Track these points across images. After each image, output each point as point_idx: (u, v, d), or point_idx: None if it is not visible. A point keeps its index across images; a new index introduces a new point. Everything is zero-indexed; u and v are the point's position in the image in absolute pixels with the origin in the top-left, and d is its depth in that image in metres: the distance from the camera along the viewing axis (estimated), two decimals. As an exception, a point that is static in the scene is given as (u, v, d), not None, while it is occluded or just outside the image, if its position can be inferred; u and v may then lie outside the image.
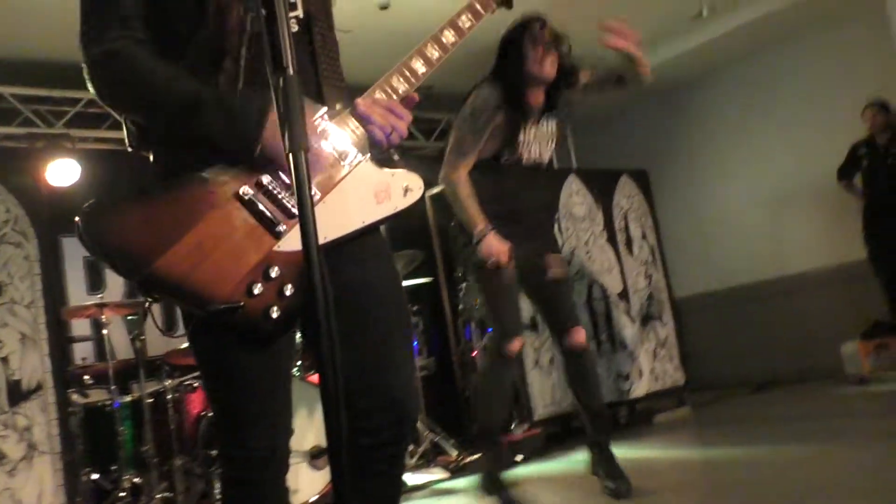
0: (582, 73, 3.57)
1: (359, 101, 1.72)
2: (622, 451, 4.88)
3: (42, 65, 5.50)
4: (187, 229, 1.56)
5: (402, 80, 1.78)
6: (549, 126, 3.59)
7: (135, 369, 4.57)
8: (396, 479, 1.78)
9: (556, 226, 5.99)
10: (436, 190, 6.23)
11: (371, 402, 1.67)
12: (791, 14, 6.66)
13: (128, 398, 4.82)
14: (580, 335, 3.55)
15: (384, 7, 5.53)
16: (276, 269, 1.59)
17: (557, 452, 5.27)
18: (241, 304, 1.56)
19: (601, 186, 6.42)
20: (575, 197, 6.20)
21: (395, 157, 1.83)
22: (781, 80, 7.38)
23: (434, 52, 1.85)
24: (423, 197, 1.78)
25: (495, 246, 3.35)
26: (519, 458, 5.14)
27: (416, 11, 5.43)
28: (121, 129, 5.76)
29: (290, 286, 1.59)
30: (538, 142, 3.55)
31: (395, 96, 1.77)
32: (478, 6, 1.96)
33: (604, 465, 3.59)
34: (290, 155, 1.22)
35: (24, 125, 5.38)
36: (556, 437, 5.76)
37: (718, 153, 7.88)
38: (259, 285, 1.57)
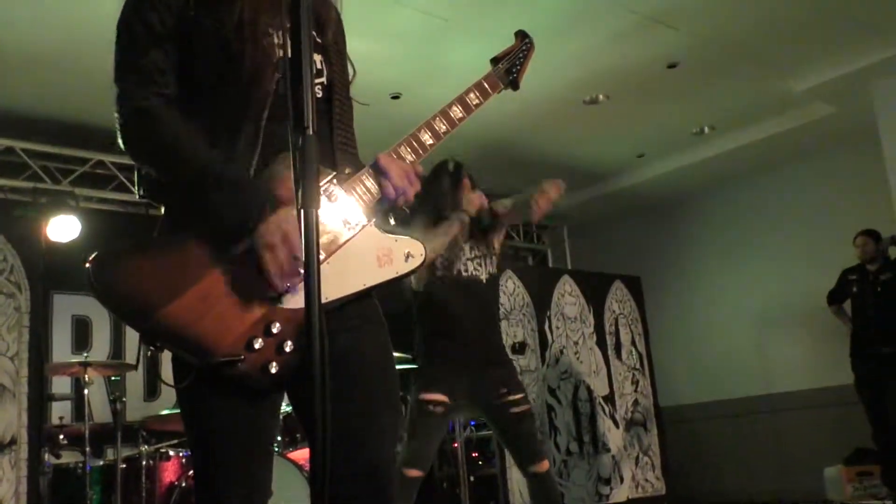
0: (496, 204, 3.81)
1: (380, 155, 1.77)
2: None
3: (54, 122, 5.61)
4: (193, 282, 1.58)
5: (409, 150, 1.83)
6: (480, 244, 3.77)
7: (111, 433, 4.49)
8: None
9: (546, 324, 6.02)
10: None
11: (350, 469, 1.64)
12: (788, 139, 6.87)
13: (101, 462, 4.72)
14: (545, 466, 3.69)
15: (395, 97, 5.69)
16: (277, 325, 1.61)
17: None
18: (242, 357, 1.57)
19: (594, 289, 6.48)
20: (568, 297, 6.25)
21: (392, 222, 1.87)
22: (775, 202, 7.55)
23: (442, 126, 1.91)
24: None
25: (476, 197, 3.66)
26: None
27: (425, 102, 5.58)
28: (125, 191, 5.84)
29: (289, 343, 1.61)
30: (471, 260, 3.74)
31: (421, 153, 1.83)
32: (486, 85, 2.03)
33: None
34: (301, 212, 1.26)
35: (31, 179, 5.45)
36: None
37: (709, 268, 7.99)
38: (260, 340, 1.59)
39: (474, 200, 3.70)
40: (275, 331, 1.60)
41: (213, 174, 1.59)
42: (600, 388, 6.22)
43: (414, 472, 3.51)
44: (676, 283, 8.11)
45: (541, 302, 6.04)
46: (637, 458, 6.29)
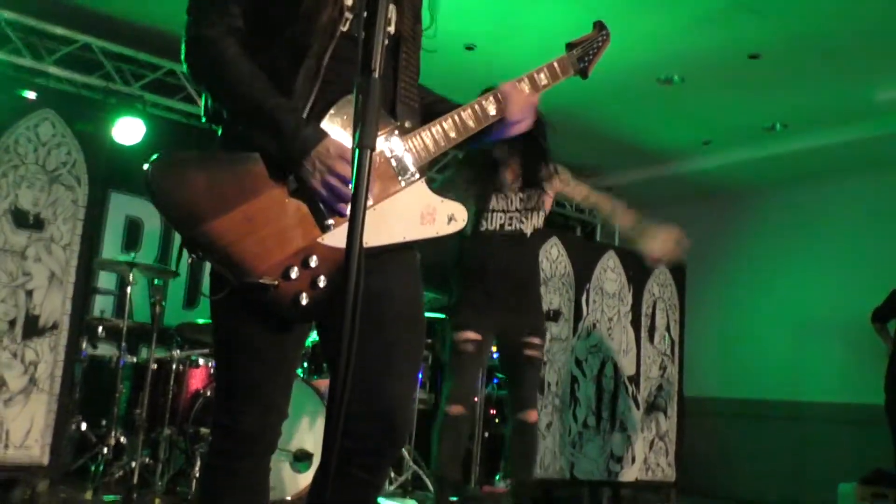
0: (562, 178, 3.92)
1: (505, 84, 1.87)
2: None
3: (132, 26, 5.71)
4: (243, 201, 1.63)
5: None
6: (527, 199, 3.86)
7: (147, 333, 4.65)
8: (373, 489, 1.80)
9: (584, 296, 6.02)
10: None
11: (364, 408, 1.69)
12: (860, 148, 6.69)
13: (134, 359, 4.90)
14: (534, 416, 3.94)
15: (470, 48, 5.66)
16: (315, 259, 1.65)
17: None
18: (276, 283, 1.62)
19: (637, 269, 6.44)
20: (610, 273, 6.23)
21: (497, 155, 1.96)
22: (833, 210, 7.39)
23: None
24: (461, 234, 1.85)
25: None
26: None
27: (498, 56, 5.56)
28: (192, 103, 5.94)
29: (323, 278, 1.65)
30: (516, 213, 3.85)
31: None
32: (557, 68, 2.03)
33: None
34: (357, 151, 1.29)
35: (104, 79, 5.55)
36: (536, 500, 5.72)
37: (757, 266, 7.87)
38: (296, 270, 1.64)
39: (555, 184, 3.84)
40: (312, 264, 1.65)
41: (266, 115, 1.63)
42: (627, 368, 6.22)
43: (456, 409, 3.73)
44: (722, 276, 8.02)
45: (582, 273, 6.03)
46: (652, 441, 6.31)
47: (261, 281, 1.61)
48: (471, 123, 1.85)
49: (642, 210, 8.05)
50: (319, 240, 1.67)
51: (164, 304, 4.64)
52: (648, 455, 6.25)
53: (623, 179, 8.28)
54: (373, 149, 1.29)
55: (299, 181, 1.64)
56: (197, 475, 4.14)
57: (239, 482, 1.73)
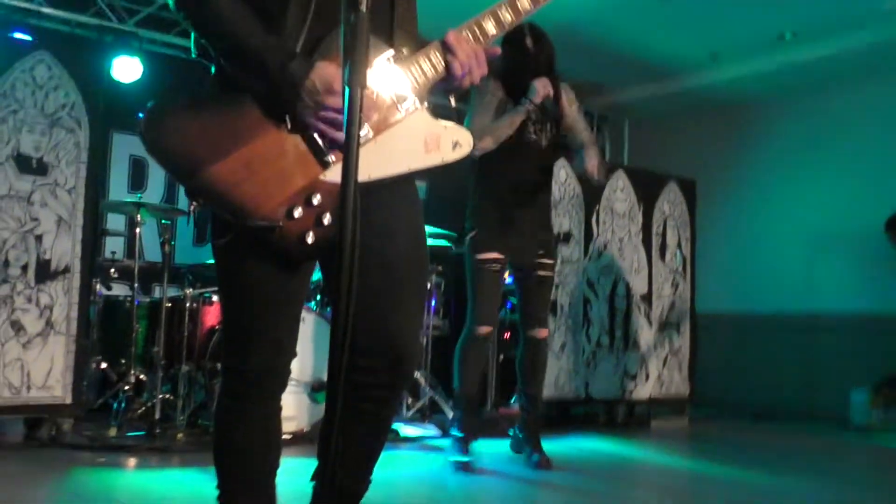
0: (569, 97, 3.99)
1: (451, 31, 1.73)
2: (617, 448, 4.98)
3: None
4: (241, 144, 1.60)
5: (471, 36, 1.77)
6: (544, 111, 3.88)
7: (159, 272, 4.67)
8: (384, 423, 1.82)
9: (594, 217, 6.00)
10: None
11: (372, 342, 1.69)
12: (870, 55, 6.54)
13: (147, 299, 4.94)
14: (544, 333, 4.10)
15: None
16: (318, 196, 1.63)
17: (552, 434, 5.32)
18: (280, 224, 1.60)
19: (647, 188, 6.39)
20: (619, 193, 6.18)
21: (453, 104, 1.86)
22: (844, 119, 7.27)
23: (507, 16, 1.79)
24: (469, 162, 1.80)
25: (541, 87, 3.73)
26: (511, 432, 5.19)
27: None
28: (188, 36, 5.85)
29: (328, 215, 1.63)
30: (534, 123, 3.87)
31: (483, 40, 1.76)
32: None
33: (530, 443, 4.09)
34: (348, 89, 1.26)
35: (97, 16, 5.46)
36: (552, 419, 5.80)
37: (768, 179, 7.80)
38: (300, 209, 1.62)
39: (540, 90, 3.76)
40: (315, 202, 1.63)
41: (251, 55, 1.58)
42: (639, 287, 6.23)
43: (484, 329, 3.89)
44: (732, 190, 7.96)
45: (591, 195, 5.99)
46: (666, 358, 6.36)
47: (264, 223, 1.59)
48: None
49: (651, 126, 7.97)
50: (321, 177, 1.65)
51: (173, 242, 4.64)
52: (662, 372, 6.31)
53: (630, 95, 8.15)
54: (363, 87, 1.26)
55: (293, 120, 1.61)
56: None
57: (252, 422, 1.75)
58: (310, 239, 1.62)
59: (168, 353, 4.58)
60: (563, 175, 5.80)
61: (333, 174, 1.65)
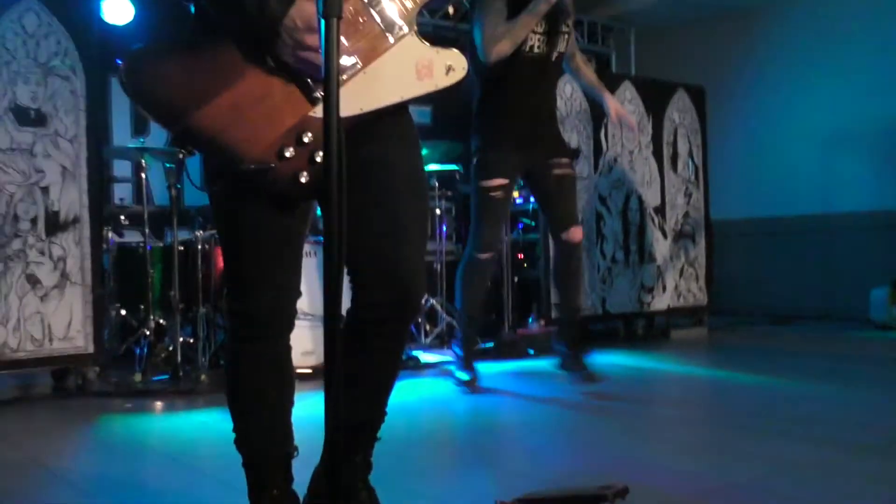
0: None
1: None
2: (636, 361, 5.01)
3: None
4: (227, 86, 1.56)
5: None
6: (553, 22, 3.77)
7: (170, 216, 4.66)
8: (395, 356, 1.82)
9: (602, 131, 5.91)
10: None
11: (377, 276, 1.69)
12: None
13: (160, 244, 4.95)
14: (578, 233, 3.91)
15: None
16: (309, 134, 1.59)
17: (569, 354, 5.36)
18: (272, 165, 1.57)
19: (655, 98, 6.27)
20: (627, 105, 6.06)
21: (451, 10, 1.81)
22: (856, 15, 7.05)
23: None
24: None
25: None
26: (531, 352, 5.24)
27: None
28: (177, -27, 5.55)
29: (320, 153, 1.60)
30: (540, 35, 3.75)
31: None
32: None
33: (571, 359, 4.00)
34: (323, 21, 1.21)
35: (84, -43, 5.32)
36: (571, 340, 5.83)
37: (780, 82, 7.62)
38: (291, 149, 1.58)
39: None
40: (306, 140, 1.59)
41: None
42: (652, 199, 6.17)
43: (486, 255, 3.87)
44: (743, 95, 7.79)
45: (598, 108, 5.87)
46: (682, 269, 6.35)
47: (255, 167, 1.56)
48: None
49: (658, 34, 7.79)
50: (311, 113, 1.61)
51: (179, 186, 4.61)
52: (679, 282, 6.30)
53: (636, 3, 7.94)
54: (339, 17, 1.21)
55: (276, 59, 1.56)
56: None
57: (264, 364, 1.75)
58: (303, 178, 1.59)
59: (185, 296, 4.60)
60: (568, 90, 5.69)
61: (322, 110, 1.60)
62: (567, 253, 3.93)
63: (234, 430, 1.78)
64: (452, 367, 4.16)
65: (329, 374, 1.24)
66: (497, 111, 3.83)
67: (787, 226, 7.44)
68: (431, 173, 5.61)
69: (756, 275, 7.52)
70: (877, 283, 6.33)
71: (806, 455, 2.70)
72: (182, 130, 1.55)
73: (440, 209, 5.67)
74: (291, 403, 1.81)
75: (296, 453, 1.79)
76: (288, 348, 1.79)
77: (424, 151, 5.18)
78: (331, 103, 1.20)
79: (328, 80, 1.22)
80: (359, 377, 1.79)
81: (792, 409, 3.38)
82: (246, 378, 1.76)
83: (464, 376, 4.03)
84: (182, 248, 4.66)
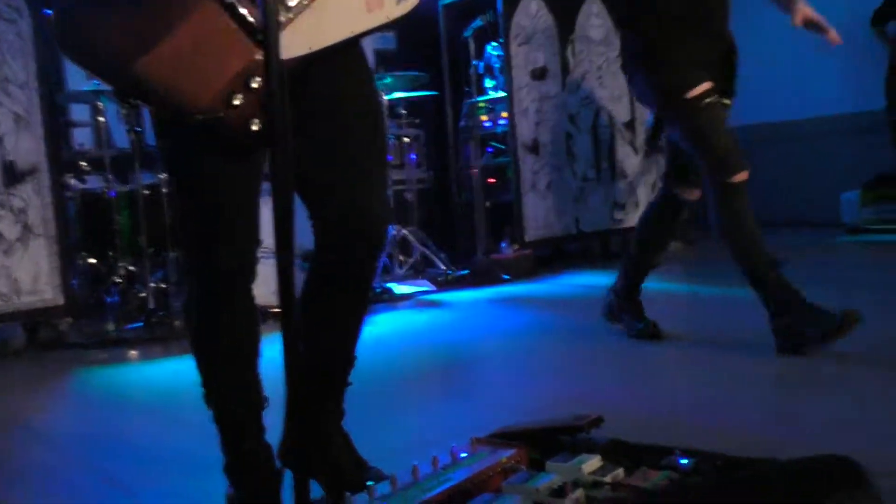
0: None
1: None
2: (611, 279, 5.02)
3: None
4: (167, 32, 1.47)
5: None
6: None
7: (132, 159, 4.55)
8: (362, 296, 1.79)
9: (569, 48, 5.80)
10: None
11: (338, 213, 1.67)
12: None
13: (126, 187, 4.84)
14: (696, 195, 3.30)
15: None
16: (257, 79, 1.52)
17: (546, 274, 5.38)
18: (221, 115, 1.51)
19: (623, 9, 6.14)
20: (594, 19, 5.94)
21: None
22: None
23: None
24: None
25: None
26: (506, 277, 5.24)
27: None
28: None
29: (271, 98, 1.53)
30: None
31: None
32: None
33: (631, 310, 3.38)
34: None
35: None
36: (545, 260, 5.85)
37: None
38: (240, 96, 1.51)
39: None
40: (255, 85, 1.52)
41: None
42: (621, 115, 6.11)
43: (740, 176, 3.10)
44: (711, 1, 7.65)
45: (564, 25, 5.76)
46: (654, 184, 6.33)
47: (204, 117, 1.49)
48: None
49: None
50: (258, 56, 1.53)
51: (138, 128, 4.49)
52: (651, 197, 6.29)
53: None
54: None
55: None
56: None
57: (231, 319, 1.71)
58: (255, 126, 1.52)
59: (153, 240, 4.53)
60: (533, 8, 5.56)
61: (270, 52, 1.53)
62: (672, 207, 3.34)
63: (204, 386, 1.75)
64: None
65: (287, 332, 1.21)
66: (680, 16, 3.11)
67: (758, 132, 7.40)
68: (399, 100, 5.51)
69: (728, 185, 7.52)
70: (848, 188, 6.36)
71: (767, 368, 2.73)
72: (123, 84, 1.47)
73: (409, 137, 5.58)
74: (259, 355, 1.78)
75: (266, 404, 1.77)
76: (253, 299, 1.75)
77: (388, 80, 5.08)
78: (270, 44, 1.14)
79: (267, 25, 1.16)
80: (327, 321, 1.77)
81: (760, 322, 3.41)
82: (215, 335, 1.72)
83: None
84: (147, 191, 4.56)
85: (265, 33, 1.18)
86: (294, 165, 1.25)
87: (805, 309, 2.84)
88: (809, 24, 3.25)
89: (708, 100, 3.04)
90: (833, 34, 3.23)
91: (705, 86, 3.03)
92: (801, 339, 2.81)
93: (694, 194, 3.29)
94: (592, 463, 1.56)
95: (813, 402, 2.39)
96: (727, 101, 3.21)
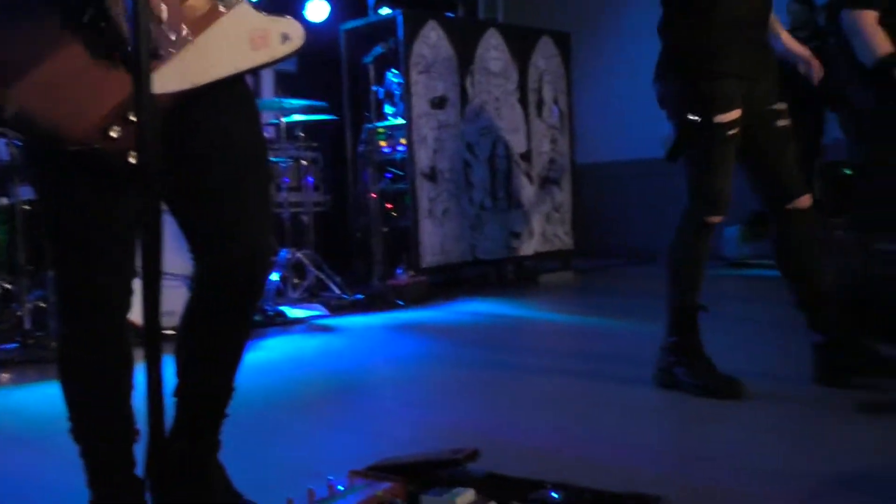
0: None
1: None
2: (505, 308, 5.12)
3: None
4: (42, 59, 1.45)
5: None
6: None
7: (12, 172, 4.37)
8: (243, 325, 1.77)
9: (468, 79, 5.90)
10: (350, 25, 6.01)
11: (219, 240, 1.66)
12: None
13: (3, 202, 4.63)
14: (807, 201, 2.93)
15: None
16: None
17: (441, 301, 5.43)
18: (97, 146, 1.48)
19: (521, 44, 6.30)
20: (493, 52, 6.07)
21: None
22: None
23: None
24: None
25: None
26: (401, 303, 5.26)
27: None
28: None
29: (149, 131, 1.51)
30: None
31: None
32: None
33: (872, 364, 2.83)
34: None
35: None
36: (441, 286, 5.91)
37: (641, 26, 7.77)
38: (117, 128, 1.49)
39: None
40: (133, 118, 1.50)
41: None
42: (518, 146, 6.25)
43: (717, 218, 2.97)
44: (607, 40, 7.93)
45: (464, 56, 5.87)
46: (548, 214, 6.49)
47: (78, 148, 1.46)
48: None
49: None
50: (137, 89, 1.51)
51: (17, 142, 4.31)
52: (546, 227, 6.44)
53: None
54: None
55: (97, 28, 1.46)
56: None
57: (98, 351, 1.67)
58: (132, 159, 1.51)
59: (33, 258, 4.35)
60: (433, 37, 5.64)
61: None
62: (798, 220, 2.91)
63: (70, 419, 1.69)
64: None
65: (151, 365, 1.20)
66: (726, 18, 2.87)
67: (648, 167, 7.68)
68: (297, 123, 5.49)
69: (621, 217, 7.77)
70: (729, 223, 6.65)
71: (663, 400, 2.83)
72: None
73: (307, 160, 5.56)
74: (132, 387, 1.74)
75: (137, 437, 1.73)
76: (125, 329, 1.71)
77: (295, 102, 5.09)
78: (142, 83, 1.14)
79: (139, 60, 1.15)
80: (206, 352, 1.75)
81: (641, 353, 3.52)
82: (81, 367, 1.68)
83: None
84: (27, 206, 4.38)
85: (135, 65, 1.17)
86: (159, 198, 1.24)
87: (699, 363, 2.85)
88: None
89: (731, 132, 2.82)
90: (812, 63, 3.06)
91: (734, 114, 2.82)
92: (673, 382, 2.88)
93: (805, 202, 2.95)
94: (466, 496, 1.59)
95: (686, 436, 2.49)
96: (781, 106, 2.93)
